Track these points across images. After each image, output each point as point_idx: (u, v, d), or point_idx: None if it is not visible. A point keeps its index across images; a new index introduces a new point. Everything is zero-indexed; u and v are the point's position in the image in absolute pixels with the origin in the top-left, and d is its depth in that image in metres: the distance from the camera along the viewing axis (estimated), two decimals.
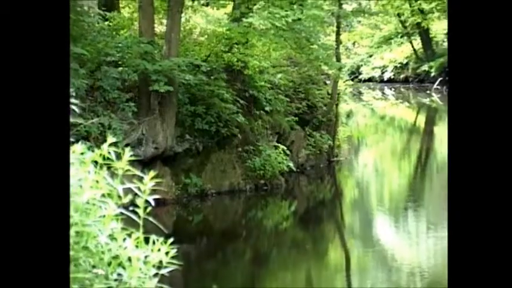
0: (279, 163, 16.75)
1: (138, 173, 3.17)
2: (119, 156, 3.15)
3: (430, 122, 33.95)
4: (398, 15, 41.20)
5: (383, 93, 44.55)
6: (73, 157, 3.09)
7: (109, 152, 3.14)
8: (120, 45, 15.63)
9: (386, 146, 28.66)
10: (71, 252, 2.85)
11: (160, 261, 3.04)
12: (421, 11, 38.90)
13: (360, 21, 40.81)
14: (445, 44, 43.95)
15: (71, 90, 3.16)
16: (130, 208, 3.11)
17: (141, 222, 3.10)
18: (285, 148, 17.45)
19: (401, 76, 45.75)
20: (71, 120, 3.11)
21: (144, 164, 13.79)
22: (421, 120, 35.07)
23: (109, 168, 3.13)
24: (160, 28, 17.09)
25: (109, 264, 2.96)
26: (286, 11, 16.56)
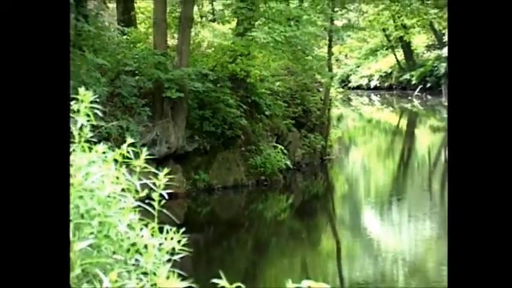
0: (278, 161, 16.75)
1: (153, 170, 3.17)
2: (136, 155, 3.16)
3: (411, 125, 33.95)
4: (384, 30, 41.19)
5: (370, 99, 44.53)
6: (95, 156, 3.09)
7: (128, 152, 3.14)
8: (137, 56, 15.65)
9: (372, 146, 28.66)
10: (95, 240, 2.85)
11: (173, 248, 3.04)
12: (404, 26, 38.88)
13: (349, 35, 40.76)
14: (425, 55, 43.97)
15: (94, 96, 3.13)
16: (147, 201, 3.11)
17: (156, 213, 3.10)
18: (283, 148, 17.46)
19: (386, 84, 45.73)
20: (94, 123, 3.10)
21: (158, 162, 13.77)
22: (404, 123, 35.05)
23: (128, 165, 3.13)
24: (172, 41, 17.09)
25: (128, 250, 2.96)
26: (284, 26, 16.62)
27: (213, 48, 18.54)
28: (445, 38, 38.33)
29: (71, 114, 3.10)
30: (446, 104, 37.28)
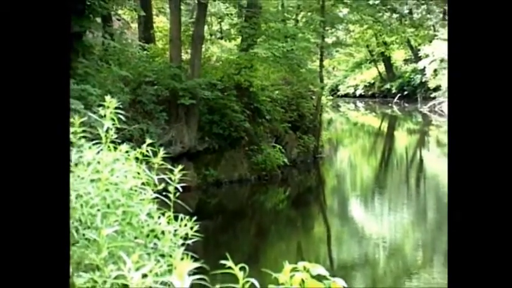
0: (276, 159, 16.73)
1: (169, 166, 3.17)
2: (154, 154, 3.16)
3: (391, 128, 33.90)
4: (367, 46, 41.11)
5: (355, 105, 44.47)
6: (120, 154, 3.09)
7: (147, 151, 3.14)
8: (155, 69, 15.66)
9: (358, 145, 28.61)
10: (119, 227, 2.84)
11: (186, 234, 3.04)
12: (385, 43, 38.82)
13: (338, 51, 40.48)
14: (403, 68, 43.89)
15: (118, 103, 3.13)
16: (163, 193, 3.11)
17: (171, 204, 3.10)
18: (281, 147, 17.44)
19: (370, 93, 45.64)
20: (119, 126, 3.09)
21: (174, 159, 13.73)
22: (384, 126, 34.99)
23: (147, 163, 3.13)
24: (186, 56, 17.09)
25: (147, 235, 2.96)
26: (282, 43, 16.64)
27: (220, 62, 18.55)
28: (420, 53, 38.25)
29: (99, 119, 3.09)
30: (421, 109, 37.26)
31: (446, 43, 34.75)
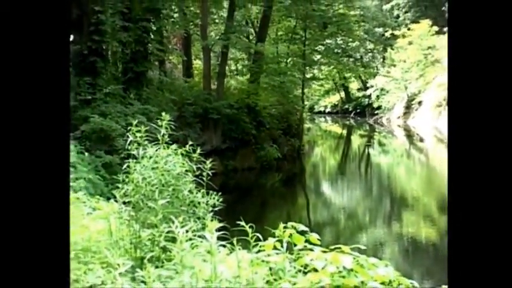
0: (273, 154, 16.68)
1: (202, 159, 3.17)
2: (193, 151, 3.15)
3: (348, 133, 33.78)
4: (333, 79, 40.93)
5: (325, 119, 44.33)
6: (171, 151, 3.08)
7: (189, 149, 3.14)
8: (193, 95, 15.67)
9: (327, 145, 28.53)
10: (170, 199, 2.83)
11: (214, 204, 3.04)
12: (344, 78, 38.68)
13: (313, 83, 40.31)
14: (356, 94, 43.71)
15: (169, 118, 3.12)
16: (199, 177, 3.10)
17: (204, 184, 3.09)
18: (276, 146, 17.39)
19: (335, 110, 45.43)
20: (170, 132, 3.09)
21: (206, 154, 13.49)
22: (344, 133, 34.85)
23: (189, 157, 3.12)
24: (213, 86, 17.11)
25: (188, 205, 2.95)
26: (277, 77, 16.69)
27: (236, 90, 18.55)
28: (368, 84, 38.17)
29: (157, 127, 3.09)
30: (368, 121, 37.18)
31: (384, 78, 34.63)
